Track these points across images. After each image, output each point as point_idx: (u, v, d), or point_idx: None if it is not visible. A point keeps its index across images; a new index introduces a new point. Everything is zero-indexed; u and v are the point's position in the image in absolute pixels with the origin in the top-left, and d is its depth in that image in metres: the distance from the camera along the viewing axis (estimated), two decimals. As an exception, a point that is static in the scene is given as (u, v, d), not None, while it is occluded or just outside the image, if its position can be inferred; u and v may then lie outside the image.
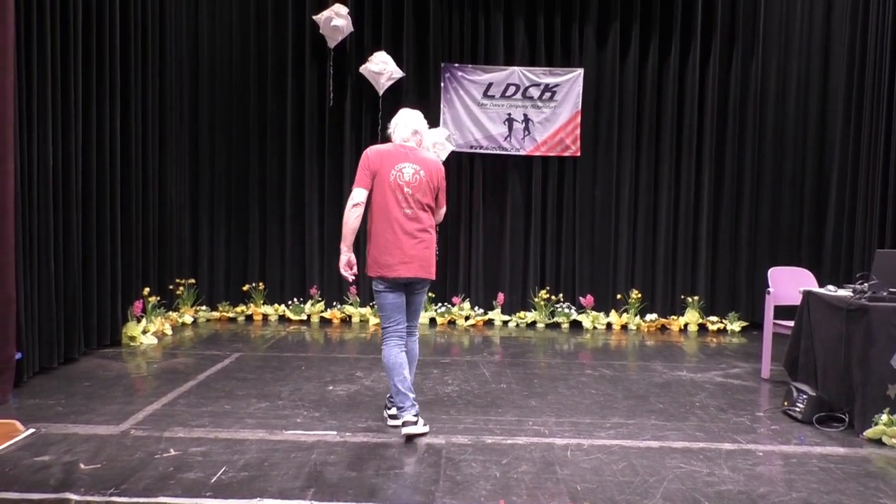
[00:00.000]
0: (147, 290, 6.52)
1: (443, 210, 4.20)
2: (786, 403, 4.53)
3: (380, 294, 4.00)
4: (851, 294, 4.34)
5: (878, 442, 3.97)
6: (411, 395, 3.89)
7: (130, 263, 6.31)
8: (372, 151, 4.02)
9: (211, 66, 7.66)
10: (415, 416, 3.87)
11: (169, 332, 6.70)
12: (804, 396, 4.36)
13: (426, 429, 3.93)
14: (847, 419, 4.20)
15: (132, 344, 6.15)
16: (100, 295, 5.84)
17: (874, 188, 6.59)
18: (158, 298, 6.75)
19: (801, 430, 4.21)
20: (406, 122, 4.11)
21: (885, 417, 3.98)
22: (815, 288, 5.06)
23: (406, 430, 3.84)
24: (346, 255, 4.02)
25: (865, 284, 4.33)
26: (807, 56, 7.75)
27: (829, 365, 4.46)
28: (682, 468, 3.53)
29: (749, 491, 3.27)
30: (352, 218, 3.92)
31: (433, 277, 4.08)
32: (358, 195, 3.93)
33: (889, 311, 4.04)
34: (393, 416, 4.08)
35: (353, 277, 4.14)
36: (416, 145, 4.10)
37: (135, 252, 6.37)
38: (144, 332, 6.29)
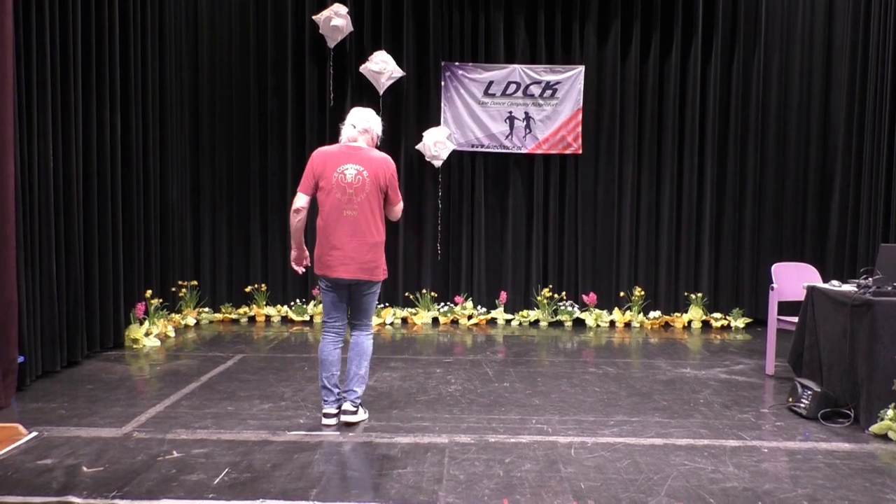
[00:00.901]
0: (149, 292, 6.52)
1: (397, 207, 4.18)
2: (790, 399, 4.50)
3: (322, 291, 4.16)
4: (856, 289, 4.31)
5: (884, 437, 3.95)
6: (335, 391, 4.09)
7: (132, 265, 6.30)
8: (316, 154, 4.08)
9: (211, 66, 7.65)
10: (335, 410, 4.08)
11: (172, 334, 6.70)
12: (809, 392, 4.34)
13: (359, 417, 4.11)
14: (852, 415, 4.18)
15: (135, 346, 6.15)
16: (102, 297, 5.84)
17: (878, 182, 6.56)
18: (161, 300, 6.75)
19: (806, 426, 4.19)
20: (352, 121, 4.12)
21: (890, 412, 3.95)
22: (819, 283, 5.04)
23: (324, 421, 4.07)
24: (295, 252, 4.20)
25: (870, 279, 4.31)
26: (809, 50, 7.72)
27: (833, 360, 4.44)
28: (686, 465, 3.51)
29: (754, 487, 3.25)
30: (293, 223, 4.09)
31: (377, 279, 4.09)
32: (298, 200, 4.05)
33: (894, 306, 4.02)
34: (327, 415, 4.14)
35: (303, 271, 4.27)
36: (366, 144, 4.10)
37: (136, 254, 6.37)
38: (147, 334, 6.29)
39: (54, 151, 5.16)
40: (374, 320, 7.47)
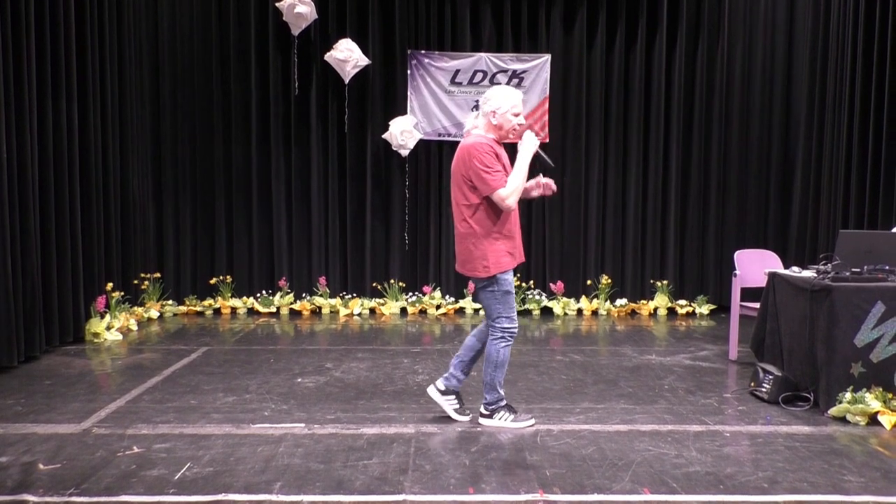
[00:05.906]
0: (110, 285, 6.38)
1: (493, 197, 3.69)
2: (752, 384, 4.57)
3: None
4: (815, 275, 4.38)
5: (842, 420, 4.03)
6: (451, 370, 4.01)
7: (92, 258, 6.16)
8: None
9: (172, 54, 7.49)
10: (443, 386, 3.99)
11: (134, 327, 6.57)
12: (770, 377, 4.41)
13: (491, 423, 3.91)
14: (812, 398, 4.26)
15: (96, 340, 6.02)
16: (61, 291, 5.69)
17: (838, 171, 6.68)
18: (122, 293, 6.61)
19: (768, 410, 4.26)
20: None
21: (848, 395, 4.03)
22: (780, 269, 5.11)
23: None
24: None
25: (829, 265, 4.38)
26: (771, 40, 7.83)
27: (794, 345, 4.51)
28: (650, 451, 3.54)
29: (716, 472, 3.29)
30: None
31: (475, 274, 3.75)
32: None
33: (851, 291, 4.09)
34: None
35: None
36: (483, 127, 3.85)
37: (97, 246, 6.22)
38: (108, 328, 6.16)
39: (8, 144, 5.00)
40: (342, 311, 7.44)
